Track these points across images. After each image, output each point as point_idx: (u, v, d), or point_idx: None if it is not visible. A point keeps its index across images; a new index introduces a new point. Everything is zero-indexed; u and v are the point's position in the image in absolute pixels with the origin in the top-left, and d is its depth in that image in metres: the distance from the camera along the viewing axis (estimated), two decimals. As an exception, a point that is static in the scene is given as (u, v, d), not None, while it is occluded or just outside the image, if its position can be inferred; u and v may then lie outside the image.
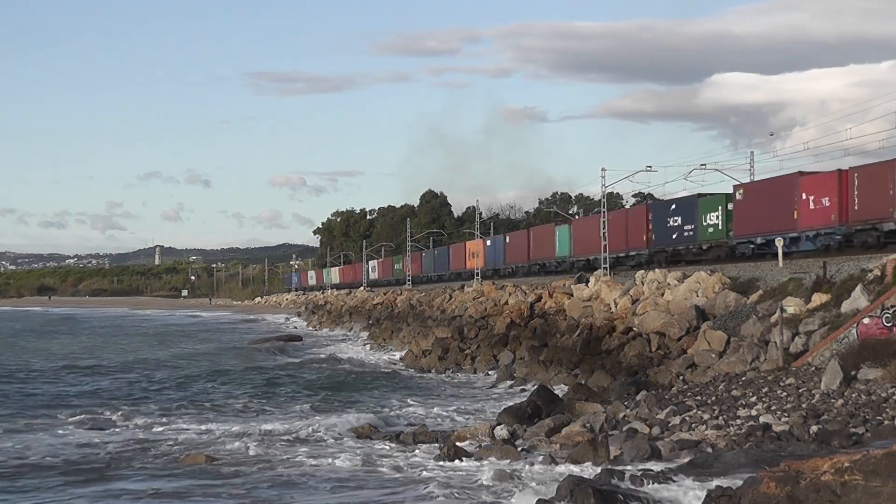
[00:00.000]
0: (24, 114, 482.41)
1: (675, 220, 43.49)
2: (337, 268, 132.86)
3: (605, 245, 48.15)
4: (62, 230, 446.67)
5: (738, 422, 18.64)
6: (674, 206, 44.38)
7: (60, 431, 23.99)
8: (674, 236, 43.63)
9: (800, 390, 20.54)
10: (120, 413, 26.79)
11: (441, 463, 18.25)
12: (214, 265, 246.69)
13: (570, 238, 55.59)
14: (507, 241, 68.13)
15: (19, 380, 37.72)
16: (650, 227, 45.90)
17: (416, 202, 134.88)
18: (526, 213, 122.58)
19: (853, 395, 19.21)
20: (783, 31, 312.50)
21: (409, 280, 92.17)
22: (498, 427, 20.94)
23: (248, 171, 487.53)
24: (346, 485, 16.93)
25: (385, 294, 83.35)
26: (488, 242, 72.46)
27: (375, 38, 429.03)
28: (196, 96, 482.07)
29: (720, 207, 40.13)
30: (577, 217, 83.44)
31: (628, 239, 48.19)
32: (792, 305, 26.36)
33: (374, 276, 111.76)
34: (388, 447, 20.65)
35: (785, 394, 20.47)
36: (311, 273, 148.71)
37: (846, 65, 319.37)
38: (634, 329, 32.83)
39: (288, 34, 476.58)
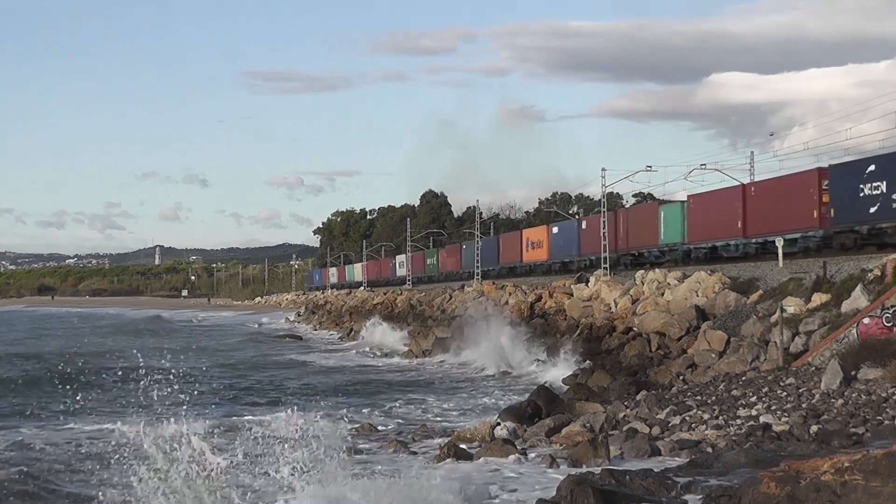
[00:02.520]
0: (20, 114, 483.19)
1: (876, 187, 31.50)
2: (360, 264, 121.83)
3: (605, 245, 48.13)
4: (61, 230, 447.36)
5: (738, 422, 18.63)
6: (872, 168, 31.79)
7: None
8: (871, 209, 31.52)
9: (800, 390, 20.54)
10: None
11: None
12: (214, 265, 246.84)
13: (684, 219, 43.40)
14: (584, 226, 55.33)
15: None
16: (825, 198, 34.14)
17: (417, 202, 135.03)
18: (526, 213, 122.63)
19: (853, 395, 19.21)
20: (780, 30, 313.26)
21: (409, 280, 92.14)
22: (498, 427, 20.94)
23: (245, 170, 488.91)
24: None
25: (385, 294, 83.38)
26: (555, 230, 60.08)
27: (371, 37, 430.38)
28: (192, 96, 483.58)
29: None
30: (577, 216, 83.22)
31: (786, 217, 36.36)
32: (792, 305, 26.36)
33: (402, 272, 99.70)
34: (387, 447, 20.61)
35: (785, 394, 20.47)
36: (333, 270, 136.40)
37: (844, 64, 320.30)
38: (634, 329, 32.84)
39: (283, 34, 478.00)
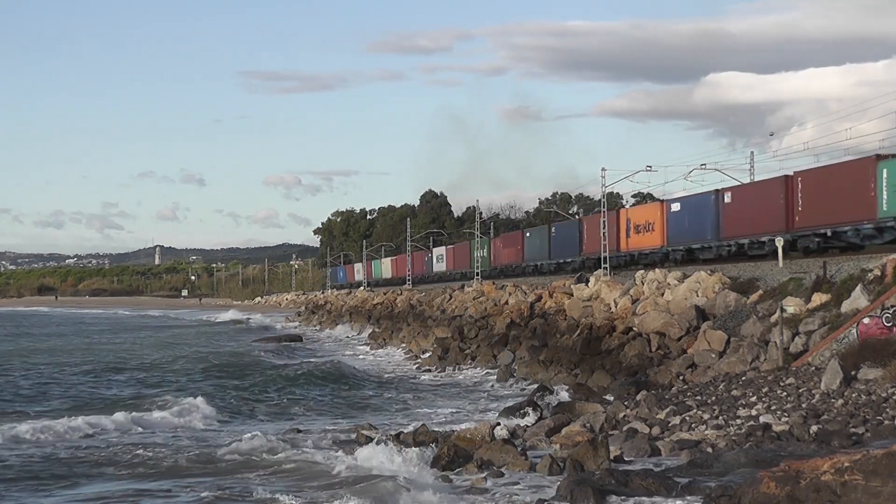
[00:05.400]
0: (17, 113, 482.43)
1: None
2: (389, 259, 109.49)
3: (605, 244, 48.12)
4: (60, 230, 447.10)
5: (738, 422, 18.64)
6: None
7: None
8: None
9: (800, 390, 20.54)
10: None
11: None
12: (214, 265, 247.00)
13: None
14: (727, 199, 40.13)
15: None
16: None
17: (416, 202, 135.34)
18: (526, 213, 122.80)
19: (853, 395, 19.22)
20: (778, 29, 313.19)
21: (409, 279, 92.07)
22: (498, 427, 20.94)
23: (242, 170, 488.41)
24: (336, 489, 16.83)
25: (385, 294, 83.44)
26: (675, 206, 44.53)
27: (368, 36, 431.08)
28: (189, 95, 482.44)
29: None
30: (577, 216, 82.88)
31: None
32: (792, 305, 26.36)
33: (440, 266, 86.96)
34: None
35: (785, 394, 20.48)
36: (358, 266, 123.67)
37: (842, 63, 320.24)
38: (634, 329, 32.83)
39: (280, 33, 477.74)
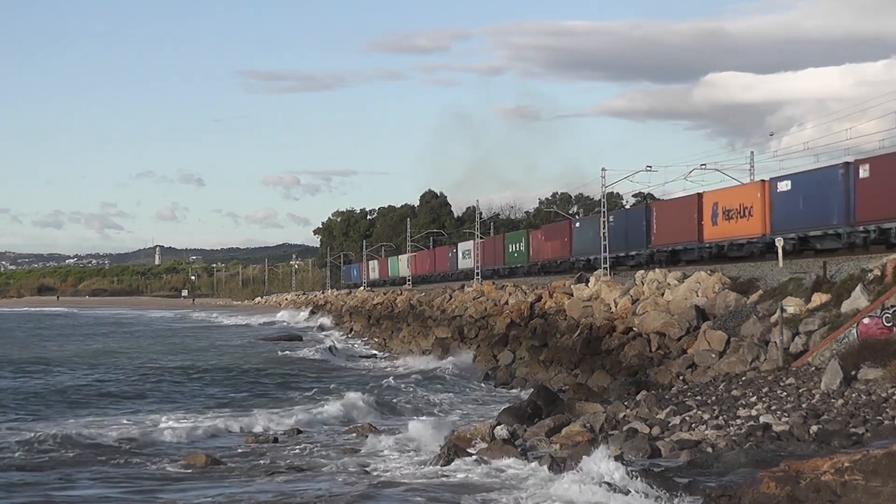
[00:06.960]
0: (16, 113, 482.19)
1: None
2: (406, 255, 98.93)
3: (606, 245, 48.13)
4: (60, 230, 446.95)
5: (738, 422, 18.63)
6: None
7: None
8: None
9: (800, 390, 20.54)
10: None
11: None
12: (214, 265, 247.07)
13: None
14: (863, 174, 31.70)
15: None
16: None
17: (416, 202, 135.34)
18: (526, 213, 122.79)
19: (853, 395, 19.21)
20: (778, 29, 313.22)
21: (409, 280, 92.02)
22: (498, 427, 20.94)
23: (241, 170, 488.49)
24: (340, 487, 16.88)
25: (385, 294, 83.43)
26: (784, 185, 36.24)
27: (366, 36, 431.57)
28: (187, 95, 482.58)
29: None
30: (577, 216, 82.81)
31: None
32: (792, 305, 26.37)
33: (466, 263, 77.52)
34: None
35: (785, 394, 20.48)
36: (373, 264, 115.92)
37: (842, 63, 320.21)
38: (634, 329, 32.84)
39: (278, 32, 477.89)
